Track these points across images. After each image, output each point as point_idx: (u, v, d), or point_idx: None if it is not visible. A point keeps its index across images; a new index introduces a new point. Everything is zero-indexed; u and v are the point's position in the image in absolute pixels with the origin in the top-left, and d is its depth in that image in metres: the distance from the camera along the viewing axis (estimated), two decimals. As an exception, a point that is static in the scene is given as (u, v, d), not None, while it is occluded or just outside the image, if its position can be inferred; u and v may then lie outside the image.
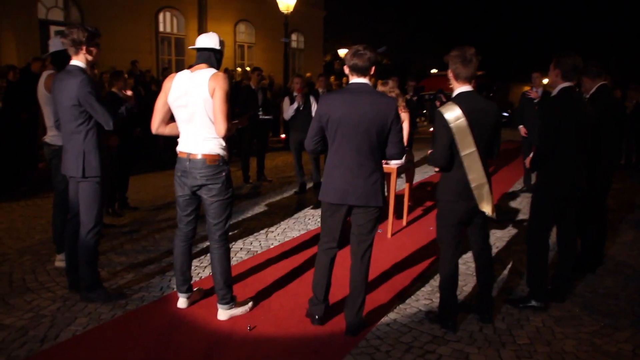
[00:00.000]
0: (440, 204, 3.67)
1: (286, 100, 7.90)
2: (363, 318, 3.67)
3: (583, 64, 4.04)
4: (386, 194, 6.42)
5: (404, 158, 5.95)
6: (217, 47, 3.63)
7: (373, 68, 3.41)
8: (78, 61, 3.83)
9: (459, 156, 3.46)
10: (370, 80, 3.48)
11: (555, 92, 4.00)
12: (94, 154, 3.87)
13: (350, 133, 3.32)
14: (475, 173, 3.48)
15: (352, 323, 3.61)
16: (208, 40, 3.61)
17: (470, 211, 3.60)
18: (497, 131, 3.59)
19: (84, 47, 3.80)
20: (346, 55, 3.44)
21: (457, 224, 3.64)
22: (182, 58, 16.73)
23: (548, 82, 4.03)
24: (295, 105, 7.67)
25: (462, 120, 3.40)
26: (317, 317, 3.70)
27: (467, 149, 3.44)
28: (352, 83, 3.44)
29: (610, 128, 4.70)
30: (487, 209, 3.56)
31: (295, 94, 7.76)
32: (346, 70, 3.47)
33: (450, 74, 3.57)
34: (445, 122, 3.42)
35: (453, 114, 3.41)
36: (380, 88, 6.02)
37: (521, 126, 8.35)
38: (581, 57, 3.94)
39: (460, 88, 3.54)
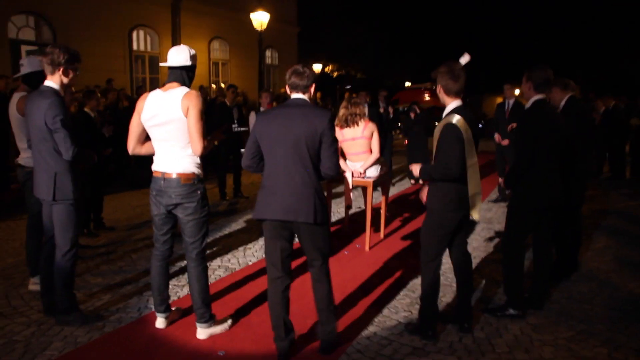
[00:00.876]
0: (436, 213, 3.66)
1: (253, 115, 7.65)
2: (337, 335, 3.60)
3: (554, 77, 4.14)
4: (363, 207, 6.47)
5: (378, 170, 6.04)
6: (188, 63, 3.60)
7: (313, 85, 3.41)
8: (52, 82, 3.79)
9: (464, 166, 3.53)
10: (311, 95, 3.46)
11: (528, 104, 4.08)
12: (66, 176, 3.81)
13: (283, 147, 3.26)
14: (474, 182, 3.56)
15: (324, 341, 3.55)
16: (178, 57, 3.57)
17: (462, 220, 3.68)
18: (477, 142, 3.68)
19: (61, 69, 3.77)
20: (287, 74, 3.43)
21: (447, 234, 3.68)
22: (156, 76, 16.66)
23: (520, 93, 4.12)
24: None
25: (470, 132, 3.49)
26: (282, 354, 3.45)
27: (471, 160, 3.52)
28: (290, 99, 3.43)
29: (582, 138, 4.81)
30: (476, 215, 3.67)
31: (262, 108, 7.57)
32: (287, 89, 3.46)
33: (440, 90, 3.64)
34: (459, 133, 3.46)
35: (463, 127, 3.48)
36: (345, 103, 6.07)
37: (496, 134, 8.45)
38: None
39: (453, 102, 3.61)
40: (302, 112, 3.28)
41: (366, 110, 6.03)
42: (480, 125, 22.78)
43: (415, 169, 3.77)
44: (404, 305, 4.41)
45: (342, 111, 6.03)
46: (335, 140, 3.34)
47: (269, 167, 3.36)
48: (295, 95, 3.41)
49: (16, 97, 4.55)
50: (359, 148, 5.95)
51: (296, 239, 3.48)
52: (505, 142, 8.22)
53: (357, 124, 5.92)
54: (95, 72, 13.72)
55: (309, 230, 3.34)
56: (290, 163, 3.27)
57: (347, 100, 6.11)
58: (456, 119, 3.50)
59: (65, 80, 3.82)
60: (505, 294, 4.22)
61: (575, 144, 4.61)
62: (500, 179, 4.40)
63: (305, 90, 3.40)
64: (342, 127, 5.95)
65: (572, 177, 4.66)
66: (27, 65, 4.46)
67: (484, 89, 34.47)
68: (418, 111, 10.53)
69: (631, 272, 5.25)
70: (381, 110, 10.39)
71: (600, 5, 32.01)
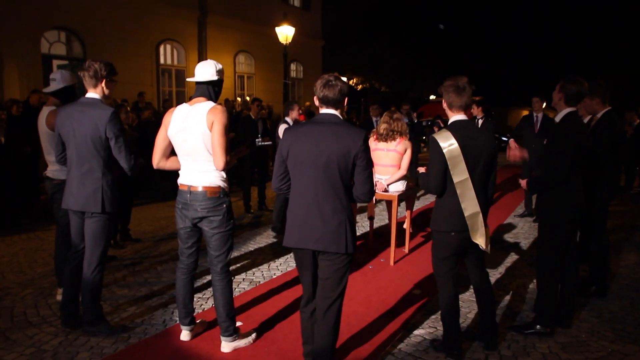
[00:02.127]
0: (435, 234, 3.65)
1: (282, 127, 7.14)
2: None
3: (588, 90, 4.05)
4: (387, 221, 6.42)
5: (404, 186, 6.01)
6: (215, 78, 3.64)
7: (345, 100, 3.15)
8: (95, 94, 3.87)
9: (452, 183, 3.46)
10: (342, 109, 3.21)
11: (559, 117, 4.00)
12: (112, 189, 3.89)
13: (311, 167, 3.01)
14: (468, 201, 3.45)
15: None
16: (204, 72, 3.62)
17: (465, 243, 3.57)
18: (492, 162, 3.53)
19: (104, 81, 3.87)
20: (316, 85, 3.12)
21: (452, 256, 3.61)
22: (182, 89, 16.89)
23: (552, 103, 4.04)
24: None
25: (455, 147, 3.39)
26: None
27: (460, 176, 3.42)
28: (320, 114, 3.15)
29: (613, 153, 4.71)
30: (480, 240, 3.51)
31: (290, 120, 7.19)
32: (316, 102, 3.16)
33: (444, 104, 3.60)
34: (439, 148, 3.43)
35: (446, 140, 3.42)
36: (387, 121, 6.05)
37: (511, 139, 8.04)
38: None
39: (455, 117, 3.56)
40: (334, 130, 3.00)
41: (401, 127, 5.97)
42: (504, 139, 22.55)
43: (420, 170, 3.82)
44: (430, 321, 4.35)
45: (383, 126, 6.05)
46: (370, 163, 3.07)
47: (297, 189, 3.12)
48: (325, 111, 3.13)
49: (46, 110, 4.58)
50: (389, 160, 5.94)
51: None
52: (522, 153, 8.02)
53: (394, 139, 5.95)
54: (123, 85, 13.92)
55: (335, 259, 3.08)
56: (320, 187, 3.01)
57: (389, 115, 6.11)
58: (440, 133, 3.46)
59: (107, 92, 3.93)
60: (535, 310, 4.14)
61: (601, 159, 4.53)
62: (522, 182, 4.26)
63: (337, 105, 3.11)
64: (378, 140, 5.97)
65: (597, 192, 4.58)
66: (59, 80, 4.52)
67: (510, 102, 34.17)
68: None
69: (664, 290, 5.11)
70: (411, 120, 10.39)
71: (634, 14, 31.58)
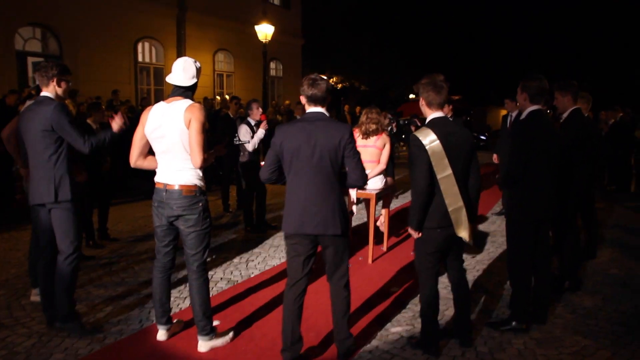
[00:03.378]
0: (422, 231, 3.66)
1: (244, 129, 7.12)
2: (354, 339, 3.64)
3: (549, 86, 4.13)
4: (365, 219, 6.46)
5: (382, 183, 6.04)
6: (194, 81, 3.65)
7: (329, 98, 3.45)
8: (48, 92, 3.93)
9: (435, 180, 3.48)
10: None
11: (524, 115, 4.08)
12: (65, 179, 3.89)
13: (305, 162, 3.33)
14: (451, 197, 3.49)
15: (342, 347, 3.58)
16: (184, 76, 3.61)
17: (449, 239, 3.61)
18: (472, 155, 3.61)
19: (55, 80, 3.92)
20: (303, 85, 3.43)
21: (435, 252, 3.64)
22: (161, 88, 16.74)
23: (518, 106, 4.12)
24: (261, 133, 7.01)
25: (437, 143, 3.43)
26: None
27: (443, 172, 3.46)
28: (308, 112, 3.46)
29: (583, 151, 4.81)
30: (464, 234, 3.57)
31: (251, 120, 7.14)
32: (303, 100, 3.47)
33: (422, 102, 3.62)
34: (421, 145, 3.45)
35: (427, 137, 3.45)
36: (367, 114, 6.10)
37: (495, 155, 8.51)
38: (558, 80, 4.04)
39: (433, 114, 3.59)
40: (324, 125, 3.34)
41: (386, 122, 6.00)
42: (483, 137, 22.80)
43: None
44: (407, 318, 4.38)
45: (362, 125, 6.10)
46: (357, 152, 3.42)
47: (293, 181, 3.40)
48: (313, 109, 3.44)
49: (27, 104, 4.61)
50: (368, 156, 5.97)
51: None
52: (494, 157, 8.39)
53: (374, 135, 6.04)
54: (100, 83, 13.82)
55: (335, 242, 3.44)
56: (315, 177, 3.34)
57: (366, 114, 6.14)
58: (421, 131, 3.49)
59: (59, 91, 3.97)
60: (510, 307, 4.19)
61: (571, 156, 4.61)
62: (497, 176, 4.39)
63: (323, 102, 3.43)
64: (357, 136, 6.01)
65: (570, 189, 4.67)
66: None
67: (488, 101, 34.51)
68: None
69: (636, 286, 5.20)
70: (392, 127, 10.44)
71: (610, 17, 32.09)
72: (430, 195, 3.50)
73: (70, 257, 3.92)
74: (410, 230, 3.63)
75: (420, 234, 3.61)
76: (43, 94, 3.93)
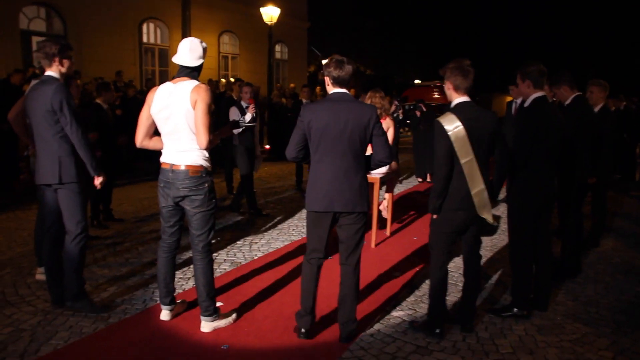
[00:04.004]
0: (442, 211, 3.66)
1: (234, 110, 7.10)
2: (357, 324, 3.69)
3: (548, 71, 4.12)
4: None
5: (386, 168, 6.03)
6: (200, 62, 3.64)
7: (352, 80, 3.50)
8: (51, 72, 3.91)
9: (459, 164, 3.51)
10: (351, 90, 3.54)
11: (528, 102, 4.06)
12: (69, 160, 3.88)
13: (334, 141, 3.37)
14: (474, 180, 3.53)
15: (345, 330, 3.63)
16: (191, 56, 3.60)
17: (468, 221, 3.64)
18: (495, 137, 3.62)
19: (57, 59, 3.88)
20: (328, 66, 3.47)
21: (452, 232, 3.67)
22: (165, 69, 16.69)
23: (519, 93, 4.10)
24: (248, 116, 7.03)
25: (460, 129, 3.45)
26: (303, 330, 3.66)
27: (466, 157, 3.49)
28: (333, 93, 3.49)
29: (585, 139, 4.80)
30: (487, 215, 3.62)
31: (244, 104, 7.12)
32: (327, 80, 3.51)
33: (449, 86, 3.61)
34: (444, 131, 3.47)
35: (451, 123, 3.47)
36: (371, 98, 6.08)
37: None
38: (566, 68, 4.03)
39: (458, 99, 3.59)
40: (350, 106, 3.41)
41: (393, 109, 6.00)
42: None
43: None
44: (409, 303, 4.40)
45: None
46: (384, 131, 3.51)
47: (321, 159, 3.44)
48: (338, 90, 3.48)
49: (32, 84, 4.61)
50: None
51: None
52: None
53: None
54: (105, 63, 13.78)
55: (359, 220, 3.53)
56: (344, 155, 3.40)
57: (370, 98, 6.12)
58: (445, 116, 3.51)
59: (62, 69, 3.93)
60: (512, 293, 4.21)
61: (574, 143, 4.61)
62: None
63: (348, 84, 3.48)
64: None
65: (573, 176, 4.67)
66: None
67: (493, 87, 34.31)
68: (424, 109, 10.50)
69: (638, 275, 5.21)
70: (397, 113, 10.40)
71: (614, 3, 31.76)
72: (449, 179, 3.54)
73: (78, 237, 3.94)
74: (431, 212, 3.70)
75: (436, 217, 3.66)
76: (47, 73, 3.91)
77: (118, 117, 7.26)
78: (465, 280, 3.90)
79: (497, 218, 3.74)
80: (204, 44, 3.71)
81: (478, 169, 3.53)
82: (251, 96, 7.18)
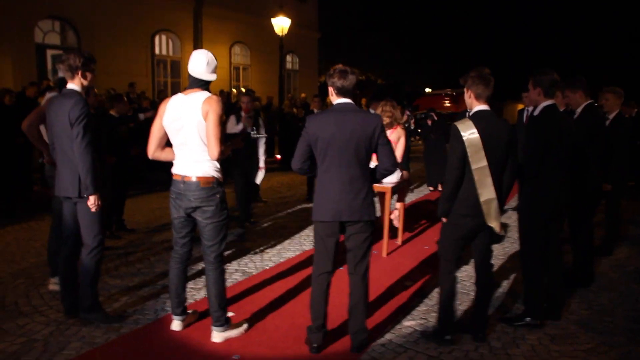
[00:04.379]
0: (450, 216, 3.68)
1: (232, 119, 6.87)
2: (368, 333, 3.68)
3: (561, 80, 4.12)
4: (380, 213, 6.47)
5: (398, 177, 6.03)
6: (214, 77, 3.67)
7: (356, 90, 3.54)
8: (74, 85, 3.92)
9: (470, 170, 3.52)
10: (362, 100, 3.56)
11: (537, 111, 4.04)
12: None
13: (341, 151, 3.39)
14: (485, 188, 3.53)
15: (357, 339, 3.61)
16: (207, 69, 3.62)
17: (476, 228, 3.64)
18: (510, 149, 3.62)
19: (80, 72, 3.89)
20: (332, 76, 3.49)
21: (460, 239, 3.68)
22: (177, 80, 16.84)
23: (529, 100, 4.09)
24: (239, 126, 6.77)
25: (476, 136, 3.47)
26: (315, 345, 3.63)
27: (479, 163, 3.50)
28: (338, 103, 3.51)
29: (596, 146, 4.77)
30: (494, 224, 3.61)
31: (243, 113, 6.93)
32: (331, 90, 3.53)
33: (470, 94, 3.64)
34: (459, 136, 3.50)
35: (467, 128, 3.49)
36: (383, 107, 6.10)
37: None
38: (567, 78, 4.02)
39: (478, 107, 3.63)
40: (355, 116, 3.43)
41: (404, 119, 6.01)
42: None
43: None
44: (420, 312, 4.38)
45: (387, 114, 6.09)
46: (389, 140, 3.53)
47: (329, 169, 3.46)
48: (342, 100, 3.50)
49: (47, 97, 4.67)
50: None
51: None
52: None
53: (390, 128, 6.04)
54: (117, 75, 13.92)
55: (366, 229, 3.53)
56: (350, 165, 3.42)
57: (381, 107, 6.14)
58: (462, 122, 3.53)
59: (84, 82, 3.95)
60: (524, 302, 4.18)
61: (586, 151, 4.58)
62: None
63: (351, 94, 3.49)
64: None
65: (585, 185, 4.64)
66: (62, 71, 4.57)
67: (505, 95, 34.16)
68: (435, 118, 10.49)
69: (653, 283, 5.15)
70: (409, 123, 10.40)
71: (627, 11, 31.58)
72: (458, 185, 3.56)
73: (95, 251, 3.96)
74: (439, 216, 3.72)
75: (446, 220, 3.67)
76: (69, 86, 3.91)
77: (131, 128, 7.32)
78: (477, 289, 3.88)
79: (504, 227, 3.73)
80: (215, 60, 3.74)
81: (490, 177, 3.52)
82: (249, 106, 7.03)
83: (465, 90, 3.68)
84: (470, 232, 3.66)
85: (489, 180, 3.53)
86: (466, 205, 3.58)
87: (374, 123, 3.42)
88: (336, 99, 3.52)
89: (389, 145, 3.50)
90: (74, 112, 3.75)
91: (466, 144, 3.48)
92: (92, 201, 3.87)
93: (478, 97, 3.61)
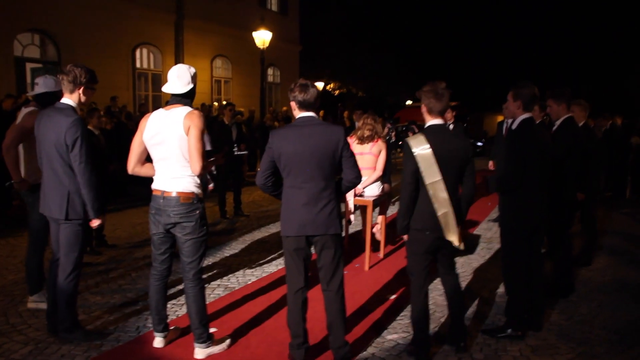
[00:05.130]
0: (409, 232, 3.71)
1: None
2: (350, 346, 3.65)
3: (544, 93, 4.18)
4: (362, 227, 6.49)
5: (380, 190, 6.06)
6: (189, 88, 3.64)
7: (318, 101, 3.53)
8: (70, 100, 3.83)
9: (424, 185, 3.54)
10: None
11: (515, 124, 4.10)
12: (78, 196, 3.82)
13: (303, 165, 3.39)
14: (439, 202, 3.54)
15: (338, 354, 3.59)
16: (179, 83, 3.61)
17: (437, 241, 3.65)
18: (466, 163, 3.64)
19: (82, 88, 3.83)
20: (293, 91, 3.50)
21: (424, 253, 3.68)
22: (159, 94, 16.74)
23: (507, 112, 4.14)
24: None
25: (428, 151, 3.49)
26: None
27: (432, 178, 3.51)
28: (300, 117, 3.51)
29: (575, 159, 4.85)
30: (453, 238, 3.61)
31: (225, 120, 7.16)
32: (293, 105, 3.53)
33: (423, 108, 3.68)
34: (410, 152, 3.53)
35: (419, 145, 3.52)
36: (364, 120, 6.14)
37: (490, 162, 8.53)
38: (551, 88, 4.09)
39: (432, 121, 3.64)
40: (318, 130, 3.42)
41: (385, 132, 6.07)
42: (480, 144, 22.86)
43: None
44: (403, 325, 4.39)
45: (367, 127, 6.14)
46: (352, 152, 3.52)
47: (293, 184, 3.45)
48: (305, 114, 3.50)
49: (24, 111, 4.54)
50: (364, 163, 5.98)
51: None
52: (490, 164, 8.38)
53: (370, 141, 6.07)
54: (99, 89, 13.64)
55: (334, 243, 3.51)
56: (314, 179, 3.41)
57: (363, 120, 6.18)
58: (414, 137, 3.57)
59: (83, 99, 3.88)
60: (506, 314, 4.21)
61: (562, 164, 4.65)
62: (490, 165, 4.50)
63: (313, 107, 3.50)
64: (354, 141, 6.02)
65: (560, 197, 4.70)
66: (42, 85, 4.48)
67: (485, 107, 34.55)
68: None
69: (631, 293, 5.23)
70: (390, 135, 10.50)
71: (604, 24, 32.21)
72: (413, 200, 3.59)
73: (72, 274, 3.89)
74: (399, 233, 3.75)
75: (407, 236, 3.70)
76: (65, 100, 3.81)
77: (110, 142, 7.27)
78: (447, 300, 3.91)
79: (474, 238, 3.76)
80: (192, 69, 3.72)
81: (445, 192, 3.53)
82: (232, 117, 7.35)
83: (421, 104, 3.70)
84: (432, 245, 3.66)
85: (444, 195, 3.53)
86: (422, 220, 3.60)
87: (336, 136, 3.42)
88: (298, 113, 3.52)
89: (352, 158, 3.50)
90: (72, 134, 3.66)
91: (417, 159, 3.50)
92: (96, 223, 3.88)
93: (430, 111, 3.63)
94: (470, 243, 7.11)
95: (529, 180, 3.95)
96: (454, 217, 3.57)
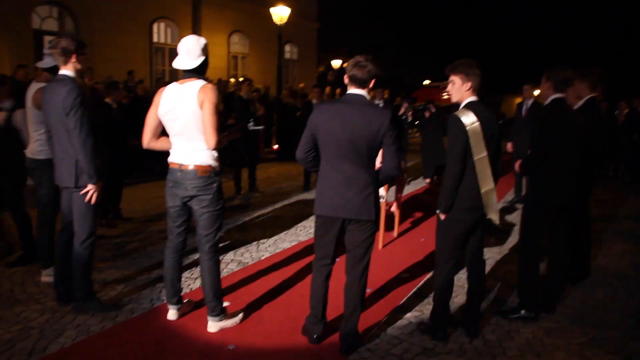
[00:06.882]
0: (451, 212, 3.60)
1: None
2: (359, 336, 3.63)
3: (575, 75, 4.11)
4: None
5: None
6: (200, 61, 3.57)
7: (372, 81, 3.35)
8: (67, 71, 3.84)
9: (471, 161, 3.47)
10: (370, 93, 3.43)
11: (547, 102, 4.07)
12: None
13: (341, 145, 3.25)
14: (485, 178, 3.50)
15: (346, 342, 3.55)
16: (189, 58, 3.55)
17: (476, 221, 3.61)
18: (499, 140, 3.61)
19: (74, 56, 3.82)
20: (347, 65, 3.37)
21: (462, 234, 3.63)
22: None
23: (540, 94, 4.11)
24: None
25: (477, 125, 3.43)
26: (315, 336, 3.61)
27: (480, 154, 3.46)
28: (348, 94, 3.36)
29: (597, 140, 4.75)
30: (494, 216, 3.59)
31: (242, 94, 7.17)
32: (346, 80, 3.38)
33: (466, 87, 3.58)
34: (462, 126, 3.44)
35: (469, 119, 3.45)
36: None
37: (509, 143, 8.36)
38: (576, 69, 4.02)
39: (469, 98, 3.58)
40: (363, 111, 3.24)
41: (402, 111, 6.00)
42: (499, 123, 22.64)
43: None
44: (416, 304, 4.39)
45: None
46: (396, 140, 3.31)
47: (329, 164, 3.35)
48: (354, 91, 3.34)
49: (34, 87, 4.52)
50: None
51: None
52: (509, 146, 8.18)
53: None
54: (116, 63, 13.86)
55: (365, 228, 3.40)
56: (349, 161, 3.28)
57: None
58: (462, 112, 3.49)
59: (78, 67, 3.88)
60: (519, 296, 4.19)
61: (591, 145, 4.56)
62: (515, 164, 4.42)
63: (365, 85, 3.32)
64: None
65: (586, 177, 4.62)
66: (52, 59, 4.46)
67: (503, 89, 34.16)
68: (433, 110, 10.47)
69: (648, 278, 5.17)
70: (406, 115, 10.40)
71: (627, 6, 31.53)
72: (460, 179, 3.50)
73: (87, 241, 3.94)
74: (439, 213, 3.63)
75: (444, 217, 3.61)
76: (62, 72, 3.83)
77: (128, 116, 7.28)
78: (469, 285, 3.87)
79: (502, 221, 3.71)
80: (203, 40, 3.63)
81: (489, 168, 3.50)
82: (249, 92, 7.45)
83: (459, 81, 3.59)
84: (471, 225, 3.61)
85: (489, 171, 3.49)
86: (468, 198, 3.52)
87: (379, 121, 3.22)
88: (349, 89, 3.37)
89: (394, 146, 3.30)
90: (68, 101, 3.69)
91: (469, 133, 3.43)
92: (89, 188, 3.84)
93: (474, 89, 3.57)
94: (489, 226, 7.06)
95: (555, 159, 3.90)
96: (495, 194, 3.55)
